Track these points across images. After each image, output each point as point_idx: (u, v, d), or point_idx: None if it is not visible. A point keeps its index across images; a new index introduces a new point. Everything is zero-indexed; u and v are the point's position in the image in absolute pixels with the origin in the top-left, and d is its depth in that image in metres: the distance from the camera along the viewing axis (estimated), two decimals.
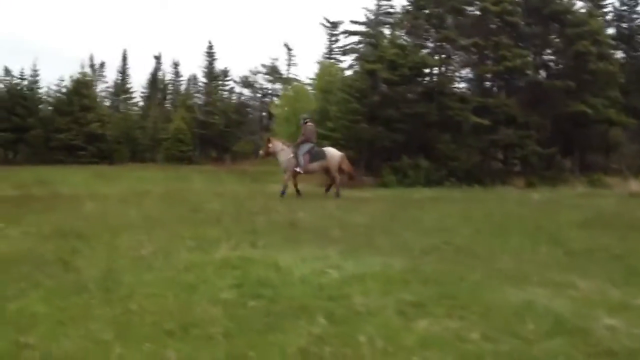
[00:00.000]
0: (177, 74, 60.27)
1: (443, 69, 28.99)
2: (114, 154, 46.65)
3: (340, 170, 17.62)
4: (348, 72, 40.39)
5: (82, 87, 46.53)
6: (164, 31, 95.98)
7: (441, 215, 11.96)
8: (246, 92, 56.90)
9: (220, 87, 54.28)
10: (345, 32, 42.01)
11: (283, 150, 18.00)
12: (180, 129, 46.50)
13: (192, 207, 12.71)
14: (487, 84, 29.59)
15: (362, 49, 37.66)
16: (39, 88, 49.67)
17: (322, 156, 17.61)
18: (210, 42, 53.82)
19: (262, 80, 56.03)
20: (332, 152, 17.97)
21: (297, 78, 52.48)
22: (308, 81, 43.41)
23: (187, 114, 48.90)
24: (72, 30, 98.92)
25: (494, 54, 26.89)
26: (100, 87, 54.83)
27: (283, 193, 16.93)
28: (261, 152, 19.10)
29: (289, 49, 55.15)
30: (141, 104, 59.85)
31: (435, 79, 28.15)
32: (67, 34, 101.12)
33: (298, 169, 17.50)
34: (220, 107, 51.45)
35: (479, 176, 24.46)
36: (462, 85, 30.03)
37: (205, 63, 53.02)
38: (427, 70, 28.38)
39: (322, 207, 13.15)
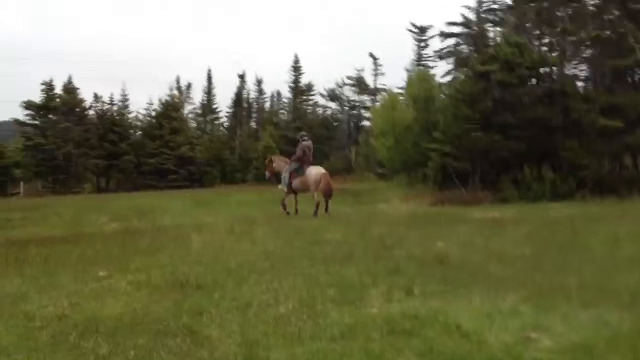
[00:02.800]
0: (260, 91, 59.76)
1: (562, 67, 26.58)
2: (204, 176, 46.24)
3: (319, 188, 17.25)
4: (445, 78, 38.55)
5: (171, 110, 46.49)
6: (246, 48, 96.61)
7: (606, 240, 10.18)
8: (333, 105, 55.48)
9: (306, 102, 53.30)
10: (441, 34, 39.89)
11: (283, 169, 18.41)
12: (269, 147, 45.63)
13: (311, 238, 11.26)
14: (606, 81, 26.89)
15: (463, 51, 35.60)
16: (129, 113, 50.01)
17: (302, 173, 17.58)
18: (296, 56, 52.76)
19: (348, 92, 54.40)
20: (311, 170, 17.61)
21: (385, 88, 50.82)
22: (397, 90, 41.70)
23: (275, 131, 48.07)
24: (159, 52, 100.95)
25: (619, 47, 24.23)
26: (187, 109, 54.76)
27: (287, 212, 17.59)
28: (267, 173, 19.51)
29: (375, 59, 53.51)
30: (227, 123, 59.56)
31: (554, 79, 25.67)
32: (153, 57, 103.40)
33: (280, 187, 18.29)
34: (308, 122, 50.44)
35: (612, 185, 21.88)
36: (581, 83, 27.41)
37: (291, 78, 52.19)
38: (544, 70, 25.97)
39: (456, 234, 11.49)
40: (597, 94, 24.38)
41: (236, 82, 58.90)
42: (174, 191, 33.89)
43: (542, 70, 25.74)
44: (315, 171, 17.55)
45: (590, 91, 24.85)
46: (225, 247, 10.28)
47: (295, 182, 17.74)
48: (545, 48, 27.51)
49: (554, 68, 26.39)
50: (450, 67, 38.43)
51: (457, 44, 37.27)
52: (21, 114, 46.27)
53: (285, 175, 18.07)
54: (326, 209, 17.07)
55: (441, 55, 38.94)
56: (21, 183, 45.48)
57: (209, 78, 57.21)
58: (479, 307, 5.84)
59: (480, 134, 23.84)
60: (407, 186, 29.86)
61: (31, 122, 46.37)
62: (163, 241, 11.53)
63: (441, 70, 49.53)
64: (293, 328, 5.31)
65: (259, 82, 59.26)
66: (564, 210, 16.22)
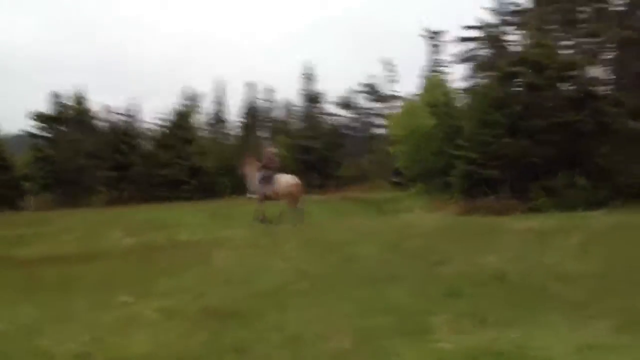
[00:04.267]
0: (271, 100, 58.96)
1: (591, 69, 25.58)
2: (216, 187, 45.39)
3: (289, 196, 17.51)
4: (461, 83, 37.72)
5: (183, 119, 45.75)
6: (256, 56, 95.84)
7: None
8: (345, 113, 54.52)
9: (319, 110, 52.40)
10: (459, 38, 38.69)
11: (252, 177, 18.33)
12: (281, 156, 44.64)
13: (343, 253, 10.37)
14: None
15: (482, 55, 34.78)
16: (140, 123, 49.31)
17: (271, 182, 17.65)
18: (309, 63, 51.83)
19: (361, 100, 53.41)
20: (281, 178, 17.84)
21: (399, 95, 49.91)
22: (412, 97, 40.68)
23: (288, 140, 47.24)
24: (168, 60, 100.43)
25: None
26: (198, 119, 53.89)
27: (262, 220, 17.56)
28: (240, 170, 19.61)
29: (389, 65, 52.49)
30: (236, 133, 58.72)
31: (581, 82, 24.58)
32: (163, 64, 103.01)
33: (248, 195, 18.44)
34: (321, 130, 49.61)
35: None
36: (609, 86, 26.39)
37: (303, 86, 51.38)
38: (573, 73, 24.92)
39: (502, 247, 10.52)
40: (624, 96, 23.41)
41: (246, 91, 58.09)
42: (187, 202, 33.14)
43: (570, 73, 24.70)
44: (285, 179, 17.81)
45: (618, 94, 23.80)
46: (254, 265, 9.44)
47: (266, 190, 17.78)
48: (568, 51, 26.59)
49: (580, 71, 25.36)
50: (468, 71, 37.78)
51: (475, 48, 36.39)
52: (31, 126, 45.70)
53: (255, 184, 18.12)
54: (291, 217, 17.27)
55: (462, 59, 37.98)
56: (31, 197, 44.79)
57: (221, 88, 56.41)
58: (568, 339, 5.05)
59: (509, 139, 22.88)
60: (428, 195, 29.00)
61: (41, 134, 45.73)
62: (185, 259, 10.68)
63: (457, 75, 48.88)
64: None
65: (269, 91, 58.55)
66: (605, 219, 15.27)
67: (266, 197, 17.90)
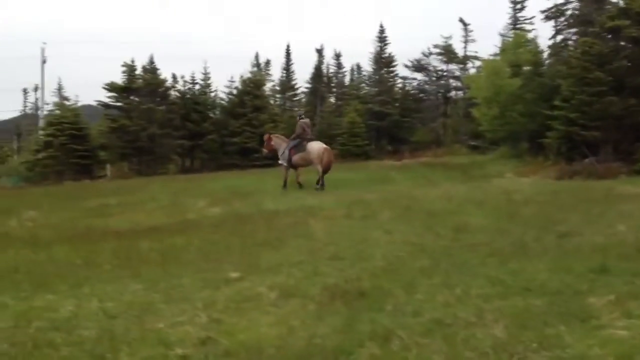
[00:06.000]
0: (339, 65, 57.92)
1: None
2: None
3: (320, 162, 18.43)
4: (550, 41, 35.87)
5: (253, 87, 45.31)
6: (324, 22, 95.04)
7: None
8: (419, 76, 52.82)
9: (390, 74, 51.01)
10: None
11: (281, 146, 19.68)
12: (355, 122, 43.84)
13: (451, 223, 9.63)
14: None
15: (574, 9, 32.82)
16: (210, 91, 49.21)
17: (303, 149, 18.77)
18: (381, 26, 50.49)
19: (435, 62, 51.53)
20: (313, 145, 18.87)
21: (477, 55, 48.17)
22: (492, 57, 38.84)
23: (361, 105, 46.29)
24: (235, 30, 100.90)
25: None
26: (267, 86, 53.35)
27: (284, 186, 18.92)
28: (264, 150, 20.85)
29: (465, 25, 50.48)
30: (304, 99, 57.91)
31: None
32: (230, 35, 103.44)
33: (281, 162, 19.59)
34: (395, 95, 48.43)
35: None
36: None
37: (375, 49, 50.17)
38: None
39: (627, 214, 9.68)
40: None
41: (314, 57, 56.96)
42: (260, 170, 32.73)
43: None
44: (317, 146, 18.84)
45: None
46: (358, 238, 8.79)
47: (296, 158, 18.97)
48: None
49: None
50: (555, 28, 35.74)
51: (565, 2, 34.29)
52: (103, 97, 46.09)
53: (285, 152, 19.29)
54: (321, 183, 18.37)
55: (549, 15, 35.90)
56: (107, 165, 45.32)
57: (288, 54, 55.74)
58: None
59: (614, 98, 21.38)
60: (515, 159, 27.78)
61: (114, 104, 46.09)
62: (280, 230, 10.08)
63: (540, 33, 45.94)
64: None
65: (337, 56, 57.43)
66: None
67: (296, 165, 19.21)
